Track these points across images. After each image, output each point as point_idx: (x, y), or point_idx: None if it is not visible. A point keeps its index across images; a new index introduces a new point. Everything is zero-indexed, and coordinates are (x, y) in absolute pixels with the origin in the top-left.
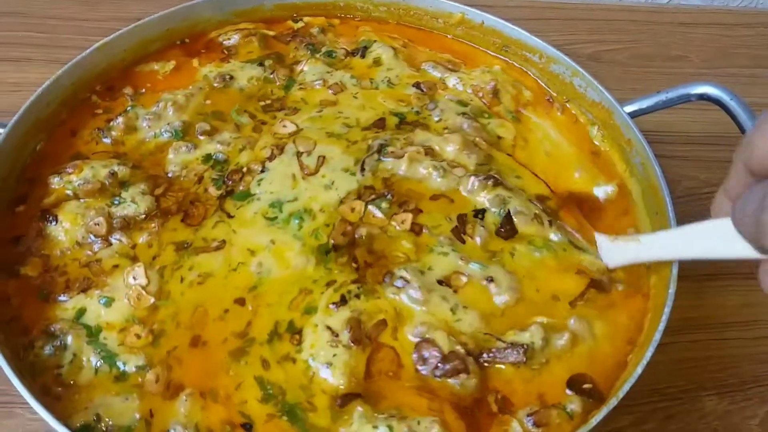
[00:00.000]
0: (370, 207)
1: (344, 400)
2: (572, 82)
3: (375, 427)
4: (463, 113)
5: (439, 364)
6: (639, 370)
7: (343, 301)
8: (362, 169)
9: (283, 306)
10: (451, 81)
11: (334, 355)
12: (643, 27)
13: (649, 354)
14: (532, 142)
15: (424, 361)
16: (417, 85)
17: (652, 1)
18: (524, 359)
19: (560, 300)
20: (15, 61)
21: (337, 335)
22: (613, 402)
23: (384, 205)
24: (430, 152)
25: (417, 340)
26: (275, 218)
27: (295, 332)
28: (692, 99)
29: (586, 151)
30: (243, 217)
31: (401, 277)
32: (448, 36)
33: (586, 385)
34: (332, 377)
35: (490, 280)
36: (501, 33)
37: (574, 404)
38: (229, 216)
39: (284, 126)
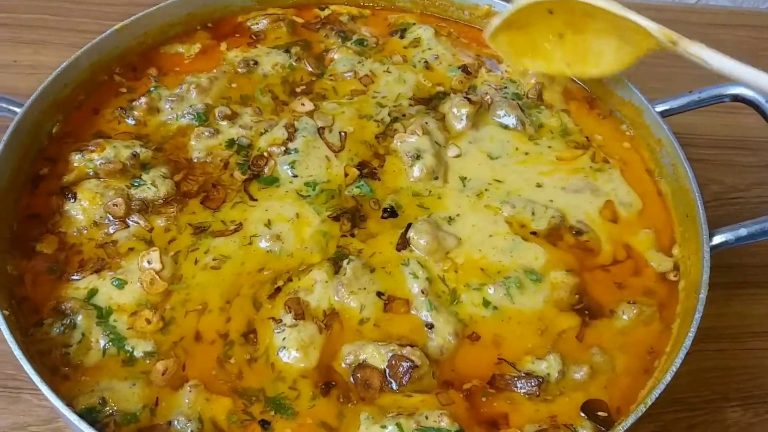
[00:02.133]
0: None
1: (326, 387)
2: (601, 80)
3: (383, 426)
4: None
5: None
6: (668, 377)
7: (277, 290)
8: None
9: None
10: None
11: (284, 339)
12: (670, 27)
13: (679, 361)
14: None
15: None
16: (464, 68)
17: (680, 1)
18: (537, 393)
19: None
20: (31, 44)
21: (280, 320)
22: (641, 409)
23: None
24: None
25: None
26: (308, 195)
27: (250, 333)
28: (725, 100)
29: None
30: (270, 197)
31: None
32: (475, 27)
33: (601, 413)
34: (289, 357)
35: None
36: None
37: (586, 429)
38: (252, 198)
39: (302, 104)
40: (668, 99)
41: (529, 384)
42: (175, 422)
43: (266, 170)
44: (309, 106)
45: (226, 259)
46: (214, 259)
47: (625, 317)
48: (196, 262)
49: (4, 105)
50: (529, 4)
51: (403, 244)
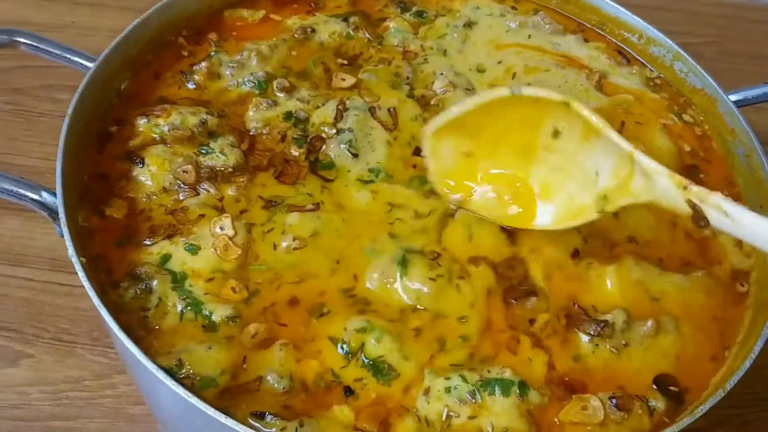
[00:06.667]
0: None
1: None
2: (672, 66)
3: (447, 378)
4: None
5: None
6: (747, 364)
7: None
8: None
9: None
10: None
11: None
12: (732, 23)
13: (758, 348)
14: None
15: None
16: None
17: None
18: (600, 332)
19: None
20: (91, 6)
21: None
22: (719, 394)
23: None
24: None
25: None
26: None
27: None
28: None
29: None
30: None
31: None
32: (544, 5)
33: (672, 387)
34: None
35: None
36: (599, 10)
37: (658, 402)
38: (327, 180)
39: (342, 80)
40: (742, 89)
41: (596, 325)
42: (269, 377)
43: (322, 149)
44: (350, 81)
45: (313, 236)
46: (294, 239)
47: (696, 274)
48: (275, 247)
49: (78, 59)
50: (494, 101)
51: None
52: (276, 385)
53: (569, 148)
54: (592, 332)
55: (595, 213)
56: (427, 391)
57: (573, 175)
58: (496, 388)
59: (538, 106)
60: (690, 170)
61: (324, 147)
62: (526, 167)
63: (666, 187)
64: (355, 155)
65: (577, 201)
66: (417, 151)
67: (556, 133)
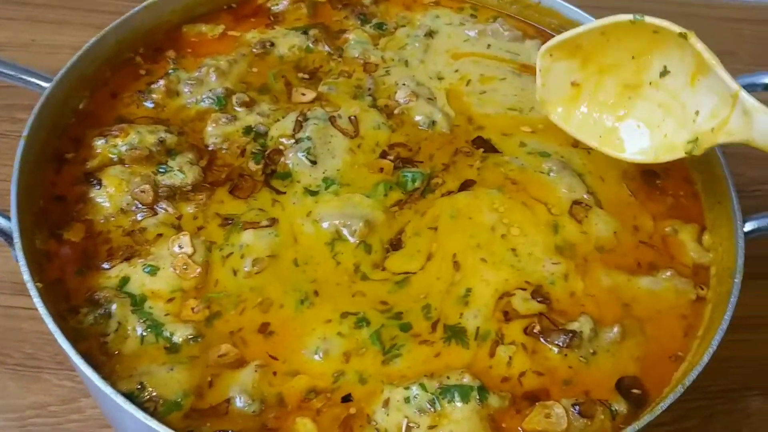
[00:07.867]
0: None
1: None
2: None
3: (407, 387)
4: None
5: None
6: (706, 358)
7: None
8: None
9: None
10: None
11: None
12: (691, 21)
13: (716, 342)
14: None
15: None
16: None
17: None
18: (569, 343)
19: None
20: (51, 23)
21: None
22: (679, 390)
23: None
24: None
25: None
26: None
27: None
28: (758, 89)
29: None
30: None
31: None
32: (504, 12)
33: (635, 390)
34: None
35: None
36: (558, 13)
37: (620, 406)
38: (279, 192)
39: (302, 95)
40: None
41: (564, 335)
42: (237, 400)
43: (282, 160)
44: (310, 95)
45: (271, 259)
46: (253, 264)
47: (664, 275)
48: (235, 273)
49: (34, 80)
50: (618, 23)
51: None
52: (246, 408)
53: (675, 87)
54: (560, 343)
55: (683, 153)
56: (386, 403)
57: (674, 113)
58: (456, 395)
59: (654, 39)
60: (649, 175)
61: (282, 158)
62: (628, 102)
63: (765, 125)
64: (314, 162)
65: (670, 139)
66: (384, 155)
67: (664, 72)
